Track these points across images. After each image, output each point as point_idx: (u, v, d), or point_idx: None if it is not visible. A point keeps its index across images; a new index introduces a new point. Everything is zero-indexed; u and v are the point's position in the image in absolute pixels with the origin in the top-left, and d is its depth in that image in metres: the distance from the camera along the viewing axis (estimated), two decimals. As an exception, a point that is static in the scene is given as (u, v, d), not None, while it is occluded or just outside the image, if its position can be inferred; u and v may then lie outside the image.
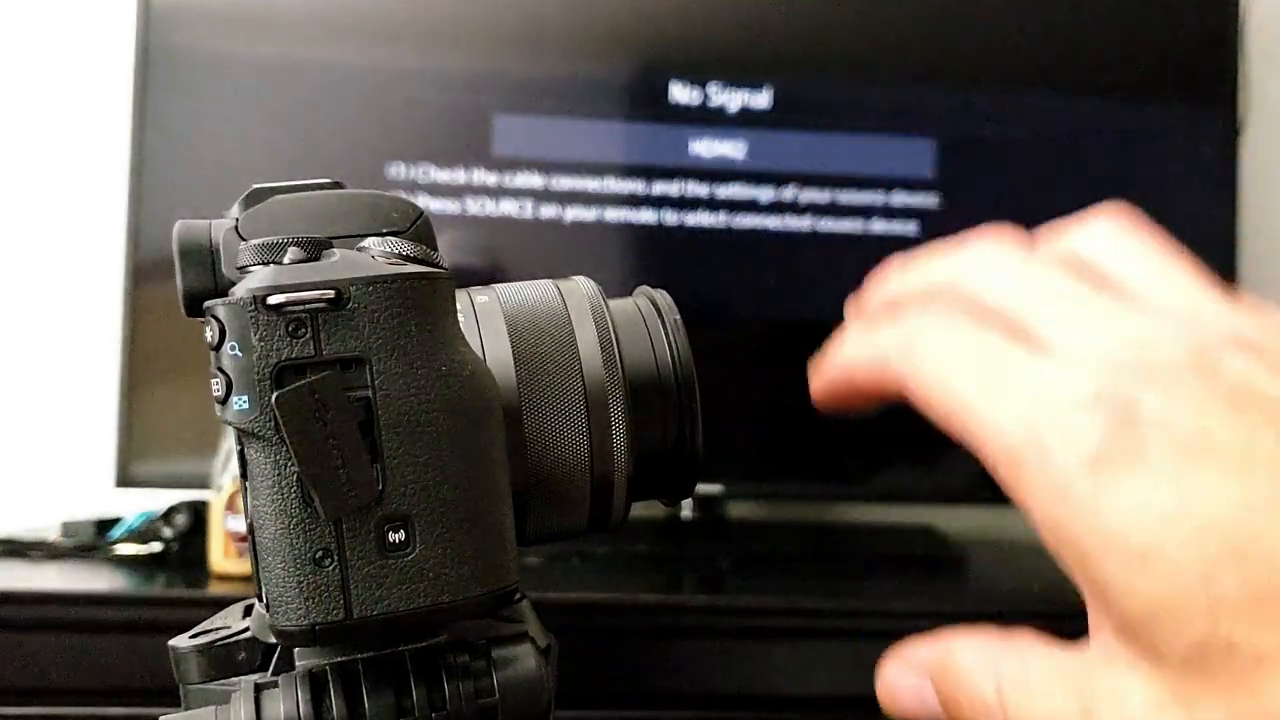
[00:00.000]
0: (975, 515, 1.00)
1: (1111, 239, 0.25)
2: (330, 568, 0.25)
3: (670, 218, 0.91)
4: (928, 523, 0.98)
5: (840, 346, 0.27)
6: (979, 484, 1.00)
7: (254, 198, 0.30)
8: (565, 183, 0.90)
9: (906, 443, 0.95)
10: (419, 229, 0.31)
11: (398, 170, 0.89)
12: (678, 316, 0.33)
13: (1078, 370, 0.22)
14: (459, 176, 0.90)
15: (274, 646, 0.30)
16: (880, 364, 0.26)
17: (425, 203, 0.88)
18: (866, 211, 0.93)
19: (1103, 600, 0.21)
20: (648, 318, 0.33)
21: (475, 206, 0.90)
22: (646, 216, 0.91)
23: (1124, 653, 0.21)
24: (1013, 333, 0.23)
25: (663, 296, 0.33)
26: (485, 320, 0.31)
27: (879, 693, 0.28)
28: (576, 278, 0.33)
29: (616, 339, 0.32)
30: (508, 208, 0.90)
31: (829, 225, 0.92)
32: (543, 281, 0.33)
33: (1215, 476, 0.20)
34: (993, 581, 0.88)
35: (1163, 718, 0.21)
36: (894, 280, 0.28)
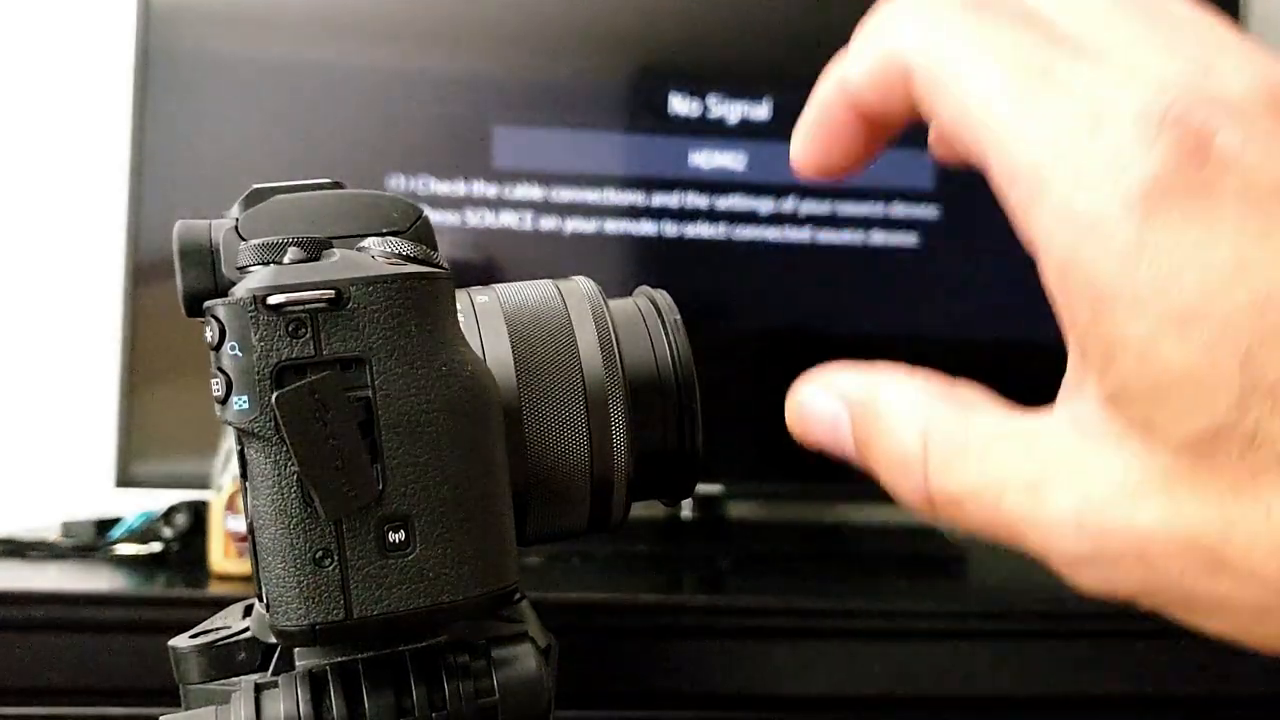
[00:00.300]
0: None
1: None
2: (330, 568, 0.25)
3: (670, 229, 0.91)
4: (928, 523, 0.98)
5: (838, 66, 0.23)
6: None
7: (254, 198, 0.30)
8: (565, 194, 0.90)
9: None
10: (419, 229, 0.31)
11: (397, 182, 0.89)
12: (678, 316, 0.33)
13: (1139, 84, 0.18)
14: (459, 188, 0.90)
15: (274, 646, 0.30)
16: (895, 69, 0.21)
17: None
18: (866, 223, 0.93)
19: (1103, 359, 0.18)
20: (648, 318, 0.33)
21: (475, 218, 0.90)
22: (646, 228, 0.91)
23: (1106, 424, 0.18)
24: (1057, 39, 0.19)
25: (663, 296, 0.33)
26: (485, 320, 0.31)
27: (787, 413, 0.24)
28: (576, 278, 0.33)
29: (616, 339, 0.32)
30: (508, 219, 0.90)
31: (829, 237, 0.92)
32: (543, 281, 0.33)
33: None
34: (993, 581, 0.88)
35: (1137, 502, 0.18)
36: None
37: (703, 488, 0.86)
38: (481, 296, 0.32)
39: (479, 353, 0.30)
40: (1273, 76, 0.18)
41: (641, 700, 0.68)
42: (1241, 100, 0.18)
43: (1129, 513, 0.18)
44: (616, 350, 0.31)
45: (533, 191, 0.90)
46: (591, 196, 0.91)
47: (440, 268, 0.28)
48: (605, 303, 0.32)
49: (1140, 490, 0.18)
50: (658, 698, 0.68)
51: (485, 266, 0.89)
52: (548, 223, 0.90)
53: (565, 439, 0.30)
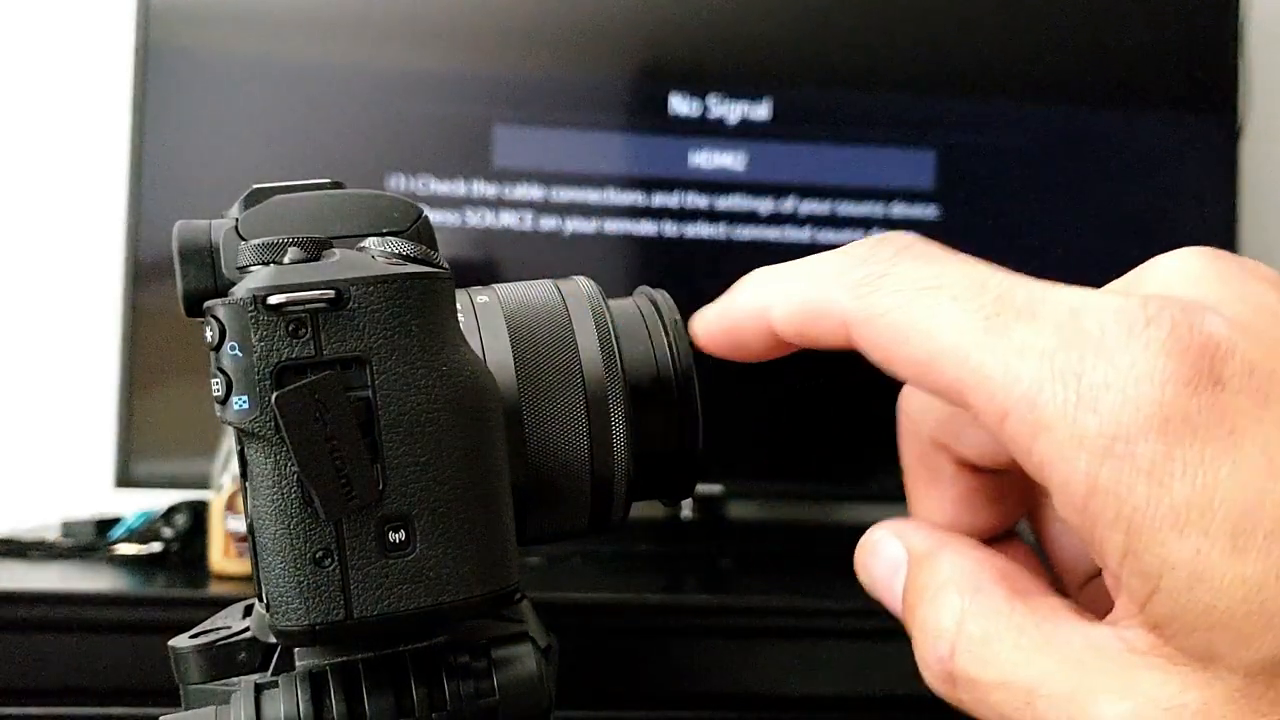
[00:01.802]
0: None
1: None
2: (330, 568, 0.25)
3: (670, 229, 0.91)
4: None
5: (745, 290, 0.23)
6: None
7: (254, 198, 0.30)
8: (565, 194, 0.90)
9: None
10: (419, 229, 0.31)
11: (397, 181, 0.89)
12: (678, 316, 0.33)
13: (1114, 297, 0.17)
14: (459, 188, 0.90)
15: (274, 646, 0.30)
16: (816, 308, 0.21)
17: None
18: (866, 223, 0.93)
19: (1145, 587, 0.17)
20: (648, 318, 0.33)
21: (475, 218, 0.90)
22: (646, 228, 0.91)
23: (1154, 652, 0.18)
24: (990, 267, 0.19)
25: (663, 296, 0.33)
26: (485, 320, 0.31)
27: (858, 548, 0.24)
28: (576, 277, 0.33)
29: (616, 339, 0.32)
30: (508, 219, 0.90)
31: (829, 236, 0.92)
32: (543, 281, 0.33)
33: None
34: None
35: None
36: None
37: (703, 488, 0.86)
38: (481, 296, 0.32)
39: (479, 353, 0.30)
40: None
41: (641, 700, 0.68)
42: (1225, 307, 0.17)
43: None
44: (616, 350, 0.31)
45: (533, 191, 0.90)
46: (592, 196, 0.91)
47: (440, 268, 0.28)
48: (605, 303, 0.32)
49: (1203, 715, 0.17)
50: (658, 698, 0.68)
51: (485, 266, 0.89)
52: (548, 222, 0.90)
53: (565, 439, 0.30)
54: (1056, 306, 0.18)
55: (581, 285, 0.33)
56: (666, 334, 0.32)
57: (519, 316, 0.31)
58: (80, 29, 1.01)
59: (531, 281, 0.33)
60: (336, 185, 0.31)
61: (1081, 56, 0.96)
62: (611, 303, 0.33)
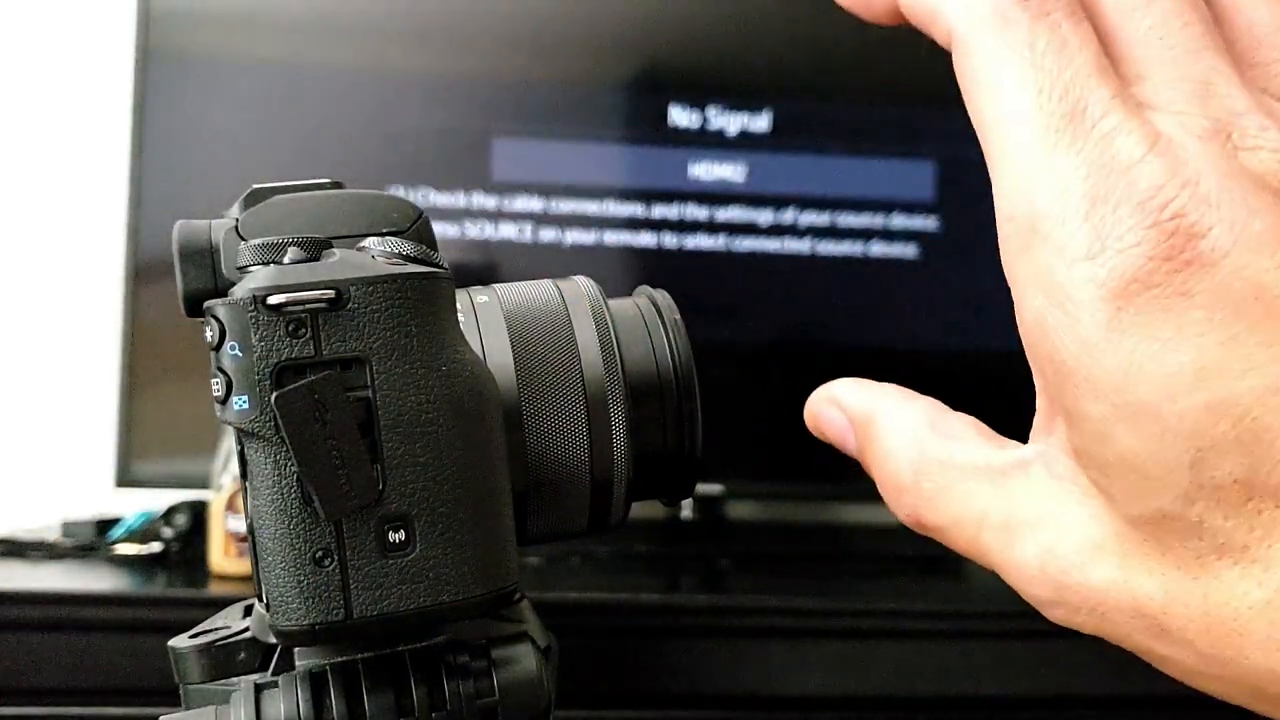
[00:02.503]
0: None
1: None
2: (330, 568, 0.25)
3: (670, 240, 0.91)
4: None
5: None
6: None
7: (254, 198, 0.30)
8: (565, 206, 0.90)
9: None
10: (419, 229, 0.31)
11: (396, 193, 0.89)
12: (678, 316, 0.33)
13: (1153, 158, 0.18)
14: (458, 200, 0.90)
15: (274, 646, 0.30)
16: (940, 31, 0.21)
17: (424, 227, 0.89)
18: (866, 234, 0.93)
19: (1069, 423, 0.19)
20: (648, 318, 0.33)
21: (475, 230, 0.90)
22: (646, 239, 0.91)
23: (1073, 475, 0.20)
24: (1102, 56, 0.19)
25: (663, 296, 0.34)
26: (485, 320, 0.31)
27: (806, 414, 0.26)
28: (576, 277, 0.34)
29: (616, 339, 0.32)
30: (507, 231, 0.90)
31: (828, 248, 0.92)
32: (543, 281, 0.33)
33: (1255, 349, 0.17)
34: (993, 581, 0.88)
35: (1094, 561, 0.19)
36: None
37: (703, 488, 0.86)
38: (481, 296, 0.32)
39: (479, 353, 0.30)
40: None
41: (641, 700, 0.68)
42: (1260, 181, 0.18)
43: (1086, 570, 0.19)
44: (616, 350, 0.31)
45: (532, 203, 0.90)
46: (591, 208, 0.91)
47: (440, 268, 0.28)
48: (605, 303, 0.33)
49: (1097, 551, 0.19)
50: (658, 698, 0.68)
51: (485, 278, 0.89)
52: (547, 234, 0.90)
53: (565, 439, 0.30)
54: (1104, 153, 0.18)
55: (581, 285, 0.33)
56: (666, 334, 0.32)
57: (519, 316, 0.31)
58: (81, 32, 1.01)
59: (532, 281, 0.33)
60: (336, 185, 0.31)
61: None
62: (611, 303, 0.33)
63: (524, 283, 0.33)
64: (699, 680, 0.68)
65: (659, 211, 0.91)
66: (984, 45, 0.20)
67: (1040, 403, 0.21)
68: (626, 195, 0.91)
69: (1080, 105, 0.18)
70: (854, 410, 0.24)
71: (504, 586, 0.27)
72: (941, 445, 0.22)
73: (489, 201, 0.90)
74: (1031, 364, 0.20)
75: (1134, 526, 0.19)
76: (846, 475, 1.00)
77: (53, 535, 0.81)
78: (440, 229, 0.89)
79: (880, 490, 0.24)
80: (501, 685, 0.28)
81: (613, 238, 0.91)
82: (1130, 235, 0.17)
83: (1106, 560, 0.19)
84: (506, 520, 0.28)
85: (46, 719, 0.65)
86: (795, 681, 0.68)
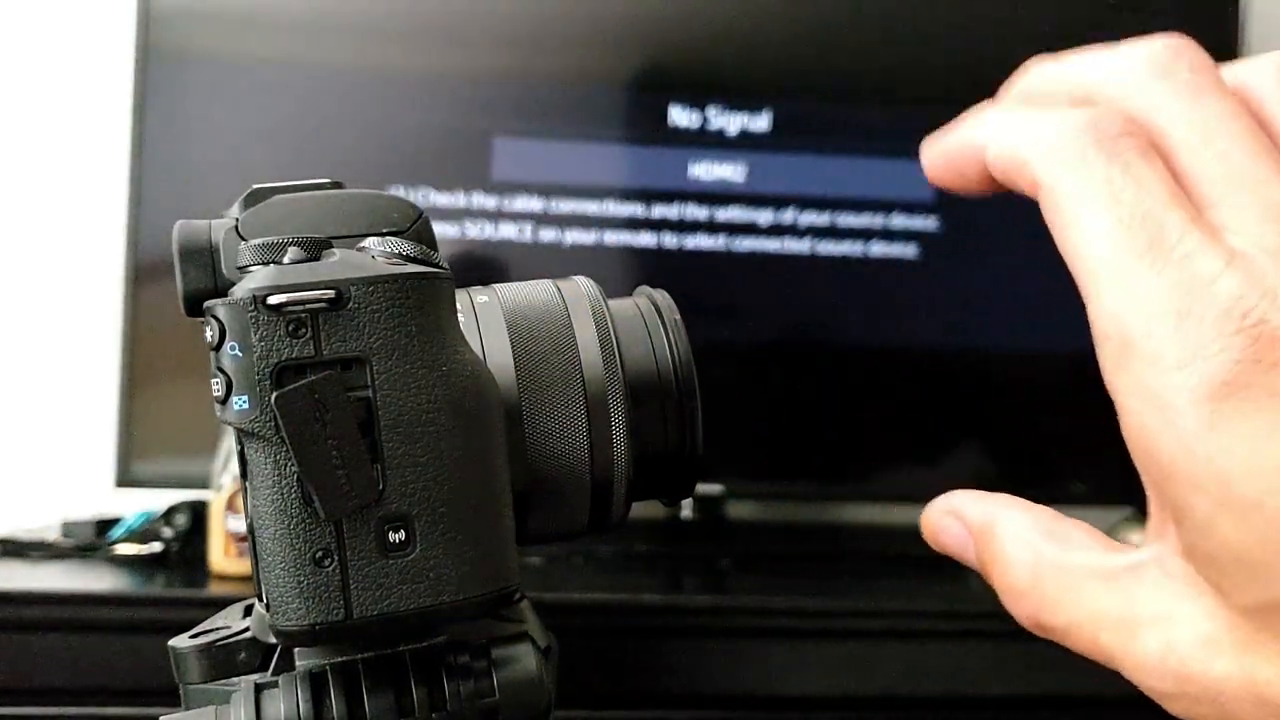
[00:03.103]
0: (975, 515, 1.00)
1: None
2: (330, 568, 0.25)
3: (670, 240, 0.91)
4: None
5: (973, 124, 0.24)
6: (979, 484, 1.00)
7: (254, 198, 0.30)
8: (565, 206, 0.90)
9: (906, 443, 0.95)
10: (419, 229, 0.31)
11: (396, 193, 0.89)
12: (678, 316, 0.33)
13: (1232, 273, 0.19)
14: (458, 200, 0.90)
15: (274, 646, 0.30)
16: (1017, 160, 0.23)
17: (425, 226, 0.89)
18: (866, 234, 0.93)
19: (1177, 521, 0.20)
20: (648, 318, 0.33)
21: (475, 230, 0.90)
22: (646, 239, 0.91)
23: (1186, 577, 0.21)
24: (1174, 187, 0.21)
25: (663, 296, 0.34)
26: (485, 320, 0.31)
27: (923, 525, 0.27)
28: (576, 277, 0.34)
29: (616, 339, 0.32)
30: (507, 231, 0.90)
31: (828, 248, 0.92)
32: (543, 281, 0.33)
33: None
34: (993, 582, 0.88)
35: (1213, 653, 0.20)
36: (1049, 71, 0.24)
37: (703, 488, 0.86)
38: (481, 296, 0.32)
39: (479, 353, 0.30)
40: None
41: (641, 700, 0.68)
42: None
43: (1205, 663, 0.20)
44: (616, 350, 0.31)
45: (532, 203, 0.90)
46: (591, 208, 0.91)
47: (440, 268, 0.28)
48: (605, 303, 0.33)
49: (1214, 643, 0.20)
50: (658, 698, 0.68)
51: (485, 278, 0.89)
52: (547, 234, 0.90)
53: (565, 439, 0.30)
54: (1187, 271, 0.20)
55: (581, 285, 0.33)
56: (666, 334, 0.32)
57: (519, 317, 0.31)
58: (81, 31, 1.01)
59: (532, 281, 0.33)
60: (336, 185, 0.31)
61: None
62: (611, 303, 0.33)
63: (524, 283, 0.33)
64: (699, 680, 0.68)
65: (659, 211, 0.91)
66: (1067, 186, 0.21)
67: (1151, 508, 0.22)
68: (626, 195, 0.91)
69: (1159, 232, 0.20)
70: (973, 521, 0.25)
71: (504, 586, 0.27)
72: (1059, 551, 0.23)
73: (489, 201, 0.90)
74: (1139, 469, 0.21)
75: (1248, 617, 0.20)
76: (846, 475, 1.00)
77: (53, 535, 0.81)
78: (440, 229, 0.88)
79: (1001, 597, 0.24)
80: (501, 685, 0.28)
81: (613, 237, 0.91)
82: (1217, 343, 0.19)
83: (1224, 652, 0.20)
84: (506, 520, 0.28)
85: (46, 719, 0.65)
86: (795, 681, 0.68)
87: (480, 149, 0.90)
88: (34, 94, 1.01)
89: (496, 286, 0.33)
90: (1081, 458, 0.93)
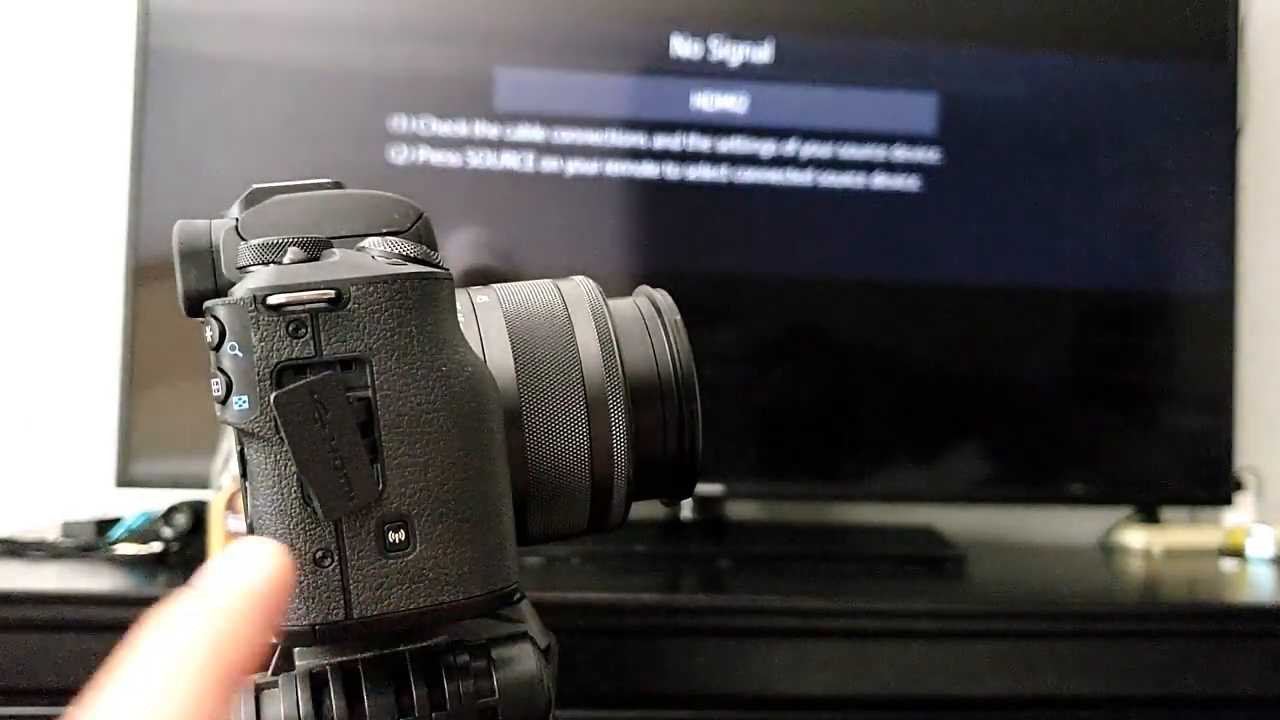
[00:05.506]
0: (975, 515, 1.00)
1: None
2: (330, 568, 0.25)
3: (671, 171, 0.91)
4: (928, 523, 0.98)
5: None
6: (979, 484, 1.00)
7: (254, 198, 0.30)
8: (566, 136, 0.90)
9: (906, 443, 0.95)
10: (419, 229, 0.31)
11: (399, 122, 0.89)
12: (678, 317, 0.33)
13: None
14: (460, 129, 0.90)
15: (274, 646, 0.30)
16: None
17: (426, 155, 0.89)
18: (868, 166, 0.93)
19: None
20: (648, 318, 0.33)
21: (476, 159, 0.90)
22: (648, 170, 0.91)
23: None
24: None
25: (663, 296, 0.33)
26: (485, 320, 0.31)
27: None
28: (576, 277, 0.34)
29: (616, 339, 0.32)
30: (509, 161, 0.90)
31: (830, 180, 0.92)
32: (543, 281, 0.33)
33: None
34: (993, 581, 0.88)
35: None
36: None
37: (703, 488, 0.86)
38: (481, 296, 0.32)
39: (479, 353, 0.30)
40: None
41: (641, 700, 0.68)
42: None
43: None
44: (616, 350, 0.31)
45: (534, 133, 0.90)
46: (593, 139, 0.91)
47: (440, 268, 0.28)
48: (605, 303, 0.32)
49: None
50: (658, 698, 0.68)
51: (486, 208, 0.89)
52: (549, 164, 0.90)
53: (565, 439, 0.30)
54: None
55: (581, 285, 0.33)
56: (666, 334, 0.32)
57: (519, 317, 0.31)
58: (81, 30, 1.01)
59: (531, 282, 0.33)
60: (336, 185, 0.31)
61: (1086, 6, 0.96)
62: (611, 303, 0.33)
63: (524, 283, 0.33)
64: (698, 680, 0.68)
65: (661, 142, 0.91)
66: None
67: None
68: (628, 126, 0.91)
69: None
70: None
71: (504, 586, 0.27)
72: None
73: (491, 131, 0.90)
74: None
75: None
76: (846, 475, 1.00)
77: (53, 535, 0.81)
78: (442, 158, 0.89)
79: None
80: (501, 685, 0.28)
81: (615, 168, 0.91)
82: None
83: None
84: (506, 520, 0.28)
85: (46, 719, 0.65)
86: (794, 681, 0.68)
87: (483, 78, 0.90)
88: (35, 94, 1.01)
89: (496, 286, 0.33)
90: (1081, 458, 0.93)
